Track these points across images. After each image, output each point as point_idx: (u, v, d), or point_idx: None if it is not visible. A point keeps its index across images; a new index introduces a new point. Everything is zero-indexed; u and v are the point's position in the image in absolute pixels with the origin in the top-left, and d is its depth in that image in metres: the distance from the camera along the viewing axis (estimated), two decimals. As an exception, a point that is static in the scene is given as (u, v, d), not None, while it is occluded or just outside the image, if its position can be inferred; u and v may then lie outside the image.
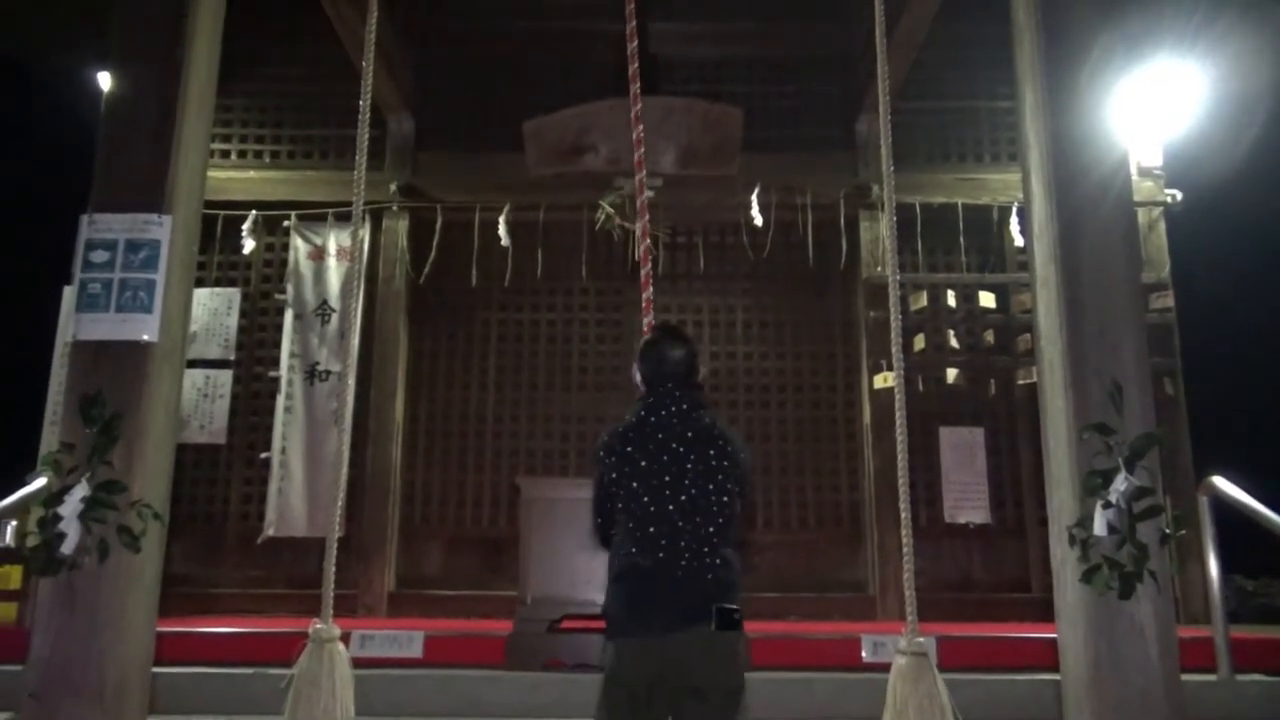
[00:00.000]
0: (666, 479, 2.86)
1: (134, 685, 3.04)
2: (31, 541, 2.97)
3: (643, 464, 2.87)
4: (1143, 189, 6.61)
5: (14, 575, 5.20)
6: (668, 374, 2.98)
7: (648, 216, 4.85)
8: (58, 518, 2.91)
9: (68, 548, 2.91)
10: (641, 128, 4.87)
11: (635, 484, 2.87)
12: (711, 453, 2.89)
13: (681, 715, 2.77)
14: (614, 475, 2.90)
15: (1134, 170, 4.87)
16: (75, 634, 2.92)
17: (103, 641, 2.93)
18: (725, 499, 2.87)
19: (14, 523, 5.43)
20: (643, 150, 4.87)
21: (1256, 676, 4.30)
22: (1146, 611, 2.84)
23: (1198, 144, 7.05)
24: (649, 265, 4.69)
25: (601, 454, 2.95)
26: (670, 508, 2.83)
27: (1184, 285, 6.83)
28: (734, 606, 2.81)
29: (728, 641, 2.79)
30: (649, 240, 4.82)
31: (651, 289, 4.67)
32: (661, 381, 2.97)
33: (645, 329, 4.49)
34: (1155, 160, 6.85)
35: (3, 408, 7.53)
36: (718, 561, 2.83)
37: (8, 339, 8.58)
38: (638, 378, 3.07)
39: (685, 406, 2.95)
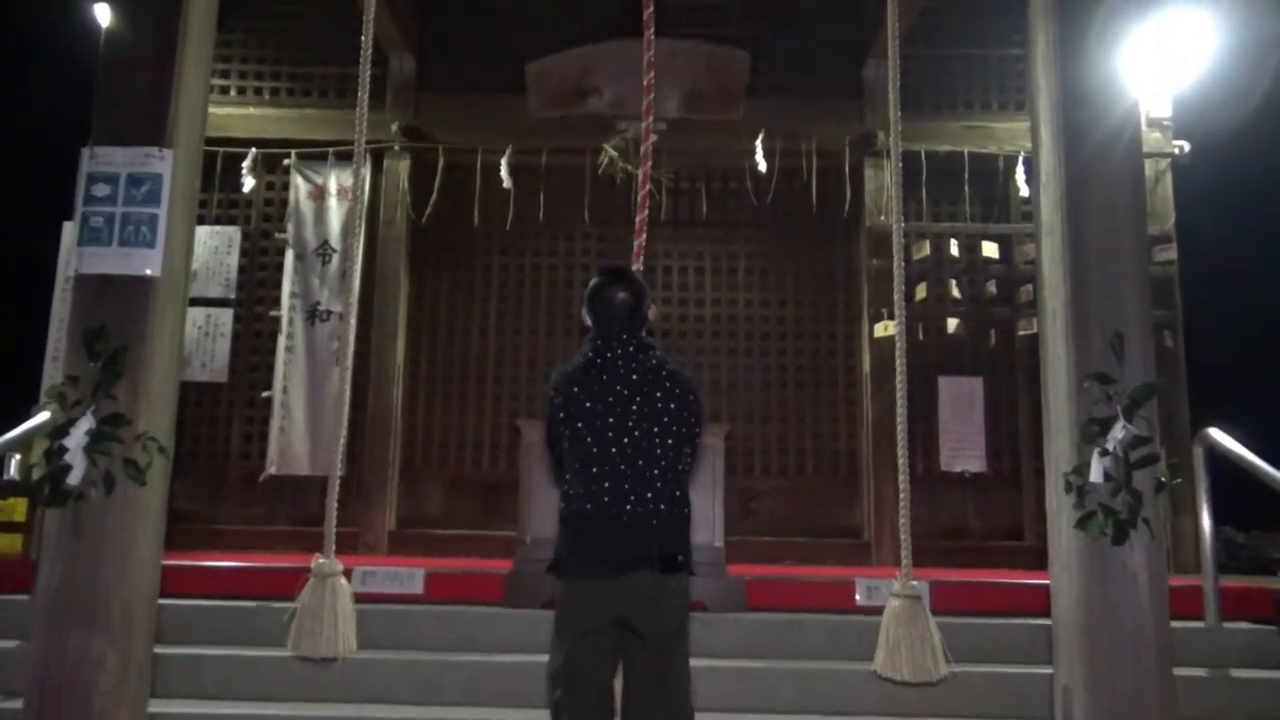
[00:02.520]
0: (611, 420, 2.85)
1: (141, 615, 3.09)
2: (37, 473, 2.99)
3: (587, 405, 2.86)
4: (1150, 140, 6.55)
5: (19, 508, 5.26)
6: (614, 316, 2.97)
7: (650, 163, 4.80)
8: (63, 450, 2.93)
9: (74, 480, 2.94)
10: (653, 73, 4.80)
11: (580, 425, 2.87)
12: (658, 394, 2.89)
13: (628, 654, 2.83)
14: (561, 415, 2.89)
15: (1143, 121, 4.83)
16: (82, 564, 2.96)
17: (110, 572, 2.97)
18: (671, 441, 2.87)
19: (18, 456, 5.47)
20: (653, 95, 4.80)
21: (1243, 624, 4.37)
22: (1139, 558, 2.88)
23: (1207, 95, 6.96)
24: (645, 212, 4.64)
25: (550, 394, 2.96)
26: (613, 450, 2.84)
27: (1187, 238, 6.81)
28: (676, 552, 2.83)
29: (671, 586, 2.82)
30: (649, 186, 4.78)
31: (644, 236, 4.60)
32: (608, 324, 2.95)
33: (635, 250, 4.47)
34: (1164, 111, 6.78)
35: (3, 345, 7.54)
36: (662, 506, 2.84)
37: (6, 276, 8.56)
38: (587, 320, 3.05)
39: (632, 348, 2.94)
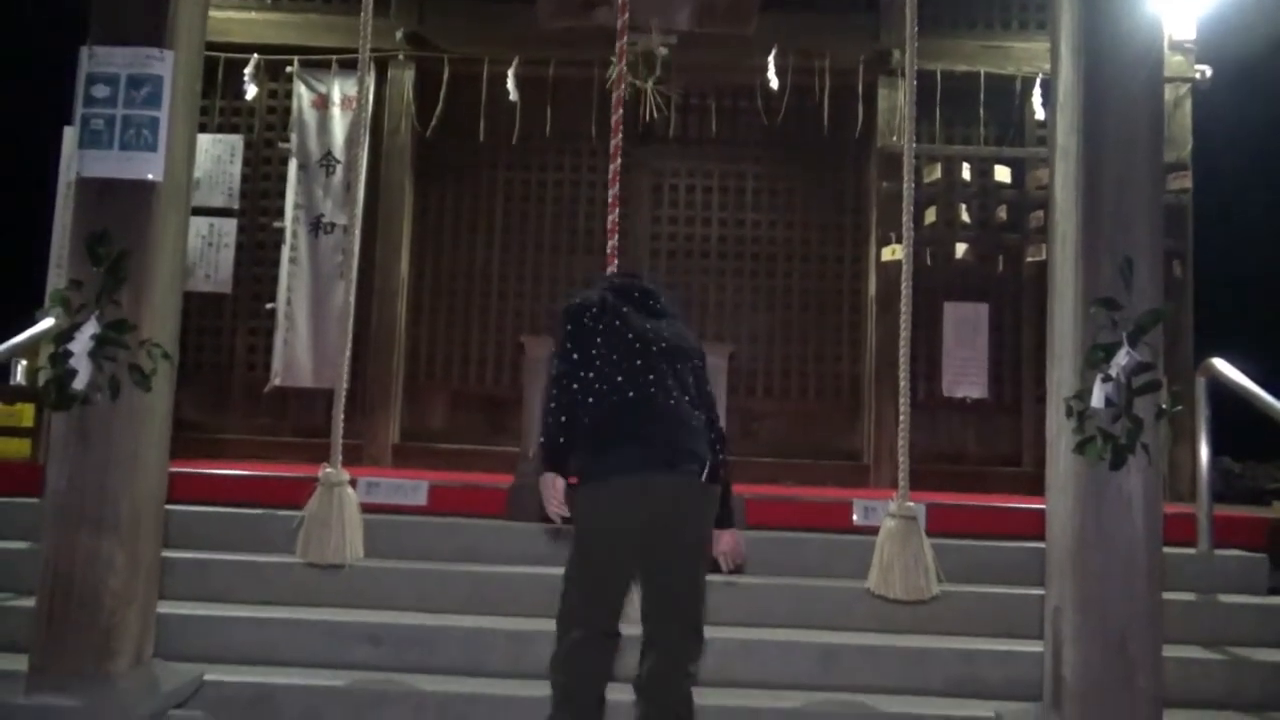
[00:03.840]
0: (647, 325, 2.94)
1: (149, 518, 3.14)
2: (43, 378, 3.01)
3: (624, 309, 2.94)
4: (1172, 63, 6.39)
5: (26, 413, 5.31)
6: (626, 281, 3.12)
7: (626, 78, 4.65)
8: (68, 354, 2.94)
9: (80, 384, 2.95)
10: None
11: (619, 323, 2.90)
12: (678, 322, 3.07)
13: (655, 560, 2.77)
14: (597, 312, 2.89)
15: (1165, 43, 4.71)
16: (90, 468, 2.99)
17: (117, 476, 3.01)
18: (696, 363, 2.99)
19: (24, 362, 5.50)
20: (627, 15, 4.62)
21: (1235, 552, 4.43)
22: (1135, 483, 2.90)
23: (1231, 18, 6.77)
24: (619, 136, 4.48)
25: (579, 302, 2.93)
26: (654, 349, 2.91)
27: (1202, 167, 6.70)
28: (717, 464, 2.87)
29: (710, 494, 2.86)
30: (624, 86, 4.62)
31: (619, 161, 4.46)
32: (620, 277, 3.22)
33: (611, 201, 4.35)
34: (1188, 33, 6.60)
35: (6, 251, 7.51)
36: (697, 411, 2.89)
37: (8, 182, 8.48)
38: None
39: (650, 287, 3.09)
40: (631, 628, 2.85)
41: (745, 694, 3.57)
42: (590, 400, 2.81)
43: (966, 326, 6.72)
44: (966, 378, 6.68)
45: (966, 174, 6.61)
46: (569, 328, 2.92)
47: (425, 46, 6.81)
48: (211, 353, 6.95)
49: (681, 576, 2.80)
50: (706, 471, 2.82)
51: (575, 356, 2.86)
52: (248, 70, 6.67)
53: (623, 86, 4.57)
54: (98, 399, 2.98)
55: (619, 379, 2.83)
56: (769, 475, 6.42)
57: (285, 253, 6.66)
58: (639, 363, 2.85)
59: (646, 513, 2.73)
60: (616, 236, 4.37)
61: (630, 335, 2.89)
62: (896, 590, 3.58)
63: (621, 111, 4.45)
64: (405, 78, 6.85)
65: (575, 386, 2.83)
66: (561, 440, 2.80)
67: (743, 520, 4.51)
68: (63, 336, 2.99)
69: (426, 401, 7.00)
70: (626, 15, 4.58)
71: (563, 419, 2.81)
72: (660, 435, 2.78)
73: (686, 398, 2.88)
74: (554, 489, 2.80)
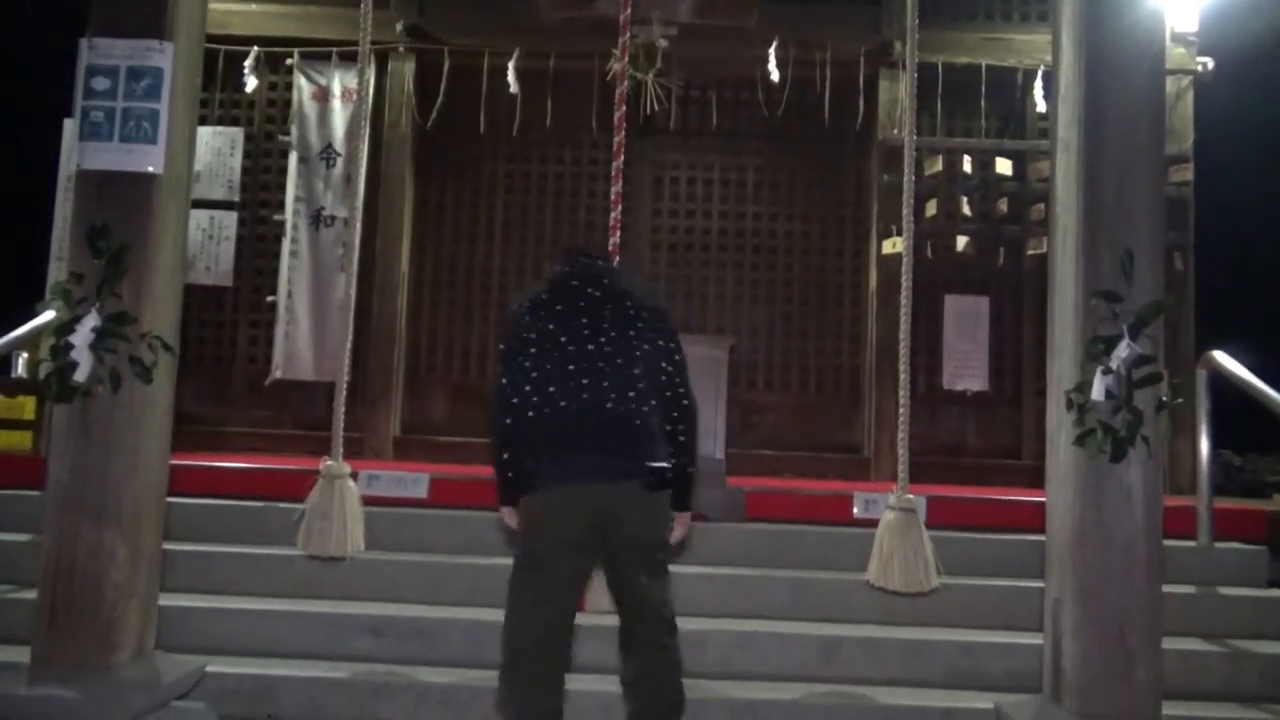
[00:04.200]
0: (584, 321, 2.82)
1: (150, 511, 3.14)
2: (44, 370, 3.01)
3: (558, 307, 2.85)
4: (1174, 56, 6.37)
5: (27, 405, 5.32)
6: (580, 249, 3.04)
7: (626, 77, 4.63)
8: (69, 346, 2.94)
9: (81, 376, 2.96)
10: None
11: (552, 326, 2.81)
12: (628, 303, 2.89)
13: (611, 569, 2.79)
14: (529, 320, 2.84)
15: (1167, 35, 4.69)
16: (91, 460, 3.00)
17: (119, 468, 3.01)
18: (647, 347, 2.84)
19: (25, 354, 5.51)
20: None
21: (1234, 544, 4.44)
22: (1135, 476, 2.90)
23: (1234, 10, 6.74)
24: (622, 133, 4.47)
25: (515, 307, 2.92)
26: (590, 348, 2.78)
27: (1204, 159, 6.68)
28: (664, 465, 2.77)
29: (656, 501, 2.77)
30: (625, 69, 4.60)
31: (622, 158, 4.44)
32: (573, 250, 3.03)
33: (614, 199, 4.33)
34: (1190, 25, 6.58)
35: (6, 243, 7.51)
36: (644, 409, 2.77)
37: (9, 175, 8.47)
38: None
39: (600, 264, 2.98)
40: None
41: (745, 685, 3.58)
42: (529, 414, 2.76)
43: (967, 319, 6.71)
44: (967, 370, 6.68)
45: (968, 166, 6.60)
46: (502, 345, 2.93)
47: (425, 39, 6.80)
48: (212, 345, 6.95)
49: (635, 578, 2.77)
50: (652, 470, 2.73)
51: (506, 378, 2.84)
52: (248, 62, 6.65)
53: (625, 83, 4.55)
54: (99, 391, 2.98)
55: (551, 390, 2.76)
56: (769, 468, 6.42)
57: (286, 245, 6.65)
58: (571, 368, 2.77)
59: (584, 521, 2.70)
60: (618, 233, 4.36)
61: (564, 339, 2.80)
62: (896, 582, 3.58)
63: (624, 109, 4.44)
64: (406, 70, 6.84)
65: (515, 401, 2.79)
66: (510, 475, 2.82)
67: (741, 512, 4.54)
68: (64, 329, 2.99)
69: (427, 394, 7.00)
70: (629, 10, 4.56)
71: (505, 456, 2.81)
72: (597, 444, 2.71)
73: (630, 393, 2.76)
74: (510, 522, 2.89)
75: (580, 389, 2.74)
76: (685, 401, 2.89)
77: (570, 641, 2.79)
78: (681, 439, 2.86)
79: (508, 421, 2.80)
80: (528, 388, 2.78)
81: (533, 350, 2.81)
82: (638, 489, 2.70)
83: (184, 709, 3.22)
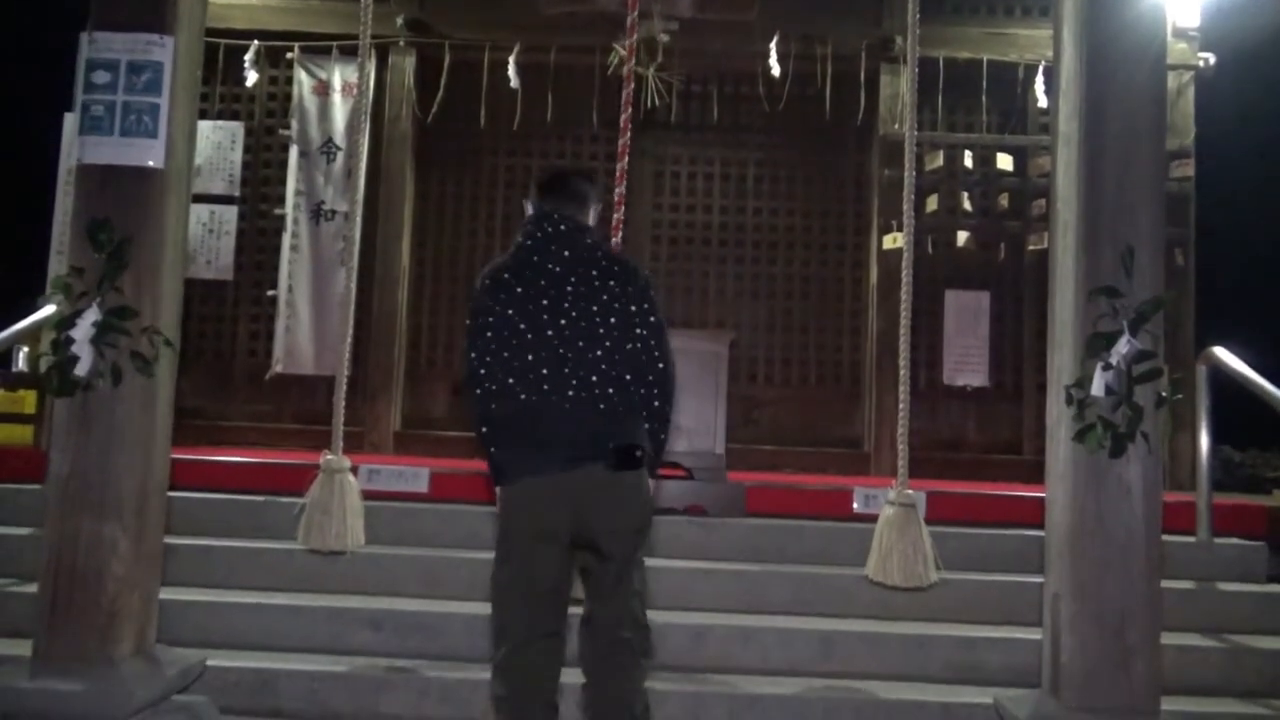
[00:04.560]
0: (545, 302, 2.68)
1: (151, 504, 3.14)
2: (45, 364, 3.01)
3: (518, 290, 2.70)
4: (1175, 51, 6.37)
5: (29, 399, 5.32)
6: (555, 196, 2.83)
7: (634, 59, 4.66)
8: (70, 341, 2.94)
9: (82, 370, 2.95)
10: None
11: (510, 310, 2.68)
12: (594, 273, 2.72)
13: (585, 558, 2.69)
14: (489, 303, 2.71)
15: (1168, 30, 4.69)
16: (92, 454, 2.99)
17: (120, 461, 3.01)
18: (615, 320, 2.70)
19: (26, 348, 5.51)
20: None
21: (1234, 540, 4.44)
22: (1135, 471, 2.90)
23: (1235, 5, 6.73)
24: (627, 136, 4.49)
25: (476, 286, 2.79)
26: (549, 333, 2.66)
27: (1205, 155, 6.68)
28: (632, 443, 2.67)
29: (627, 482, 2.67)
30: (632, 72, 4.63)
31: (629, 135, 4.47)
32: (544, 201, 2.84)
33: (617, 200, 4.34)
34: (1191, 20, 6.57)
35: (7, 238, 7.51)
36: (610, 390, 2.66)
37: (9, 169, 8.47)
38: (529, 209, 2.91)
39: (565, 228, 2.77)
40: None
41: (745, 680, 3.58)
42: (493, 405, 2.70)
43: (967, 314, 6.72)
44: (967, 366, 6.68)
45: (968, 161, 6.60)
46: (468, 320, 2.81)
47: (426, 32, 6.79)
48: (213, 339, 6.96)
49: (603, 564, 2.68)
50: (619, 451, 2.64)
51: (472, 363, 2.74)
52: (248, 56, 6.65)
53: (630, 86, 4.57)
54: (100, 385, 2.98)
55: (510, 382, 2.67)
56: (769, 462, 6.43)
57: (286, 240, 6.66)
58: (530, 358, 2.66)
59: (555, 511, 2.64)
60: (621, 232, 4.38)
61: (523, 325, 2.68)
62: (895, 577, 3.59)
63: (630, 110, 4.46)
64: (406, 64, 6.84)
65: (479, 393, 2.72)
66: (492, 450, 2.73)
67: (741, 507, 4.55)
68: (64, 323, 2.98)
69: (428, 389, 7.01)
70: (635, 13, 4.58)
71: (484, 430, 2.72)
72: (559, 436, 2.63)
73: (593, 377, 2.65)
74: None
75: (540, 380, 2.64)
76: (661, 365, 2.75)
77: (562, 633, 2.75)
78: (656, 404, 2.74)
79: (478, 393, 2.72)
80: (489, 382, 2.70)
81: (490, 335, 2.70)
82: (603, 472, 2.62)
83: (185, 702, 3.22)
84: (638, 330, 2.73)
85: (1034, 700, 3.11)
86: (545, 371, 2.66)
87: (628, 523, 2.70)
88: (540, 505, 2.65)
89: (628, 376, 2.70)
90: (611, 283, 2.73)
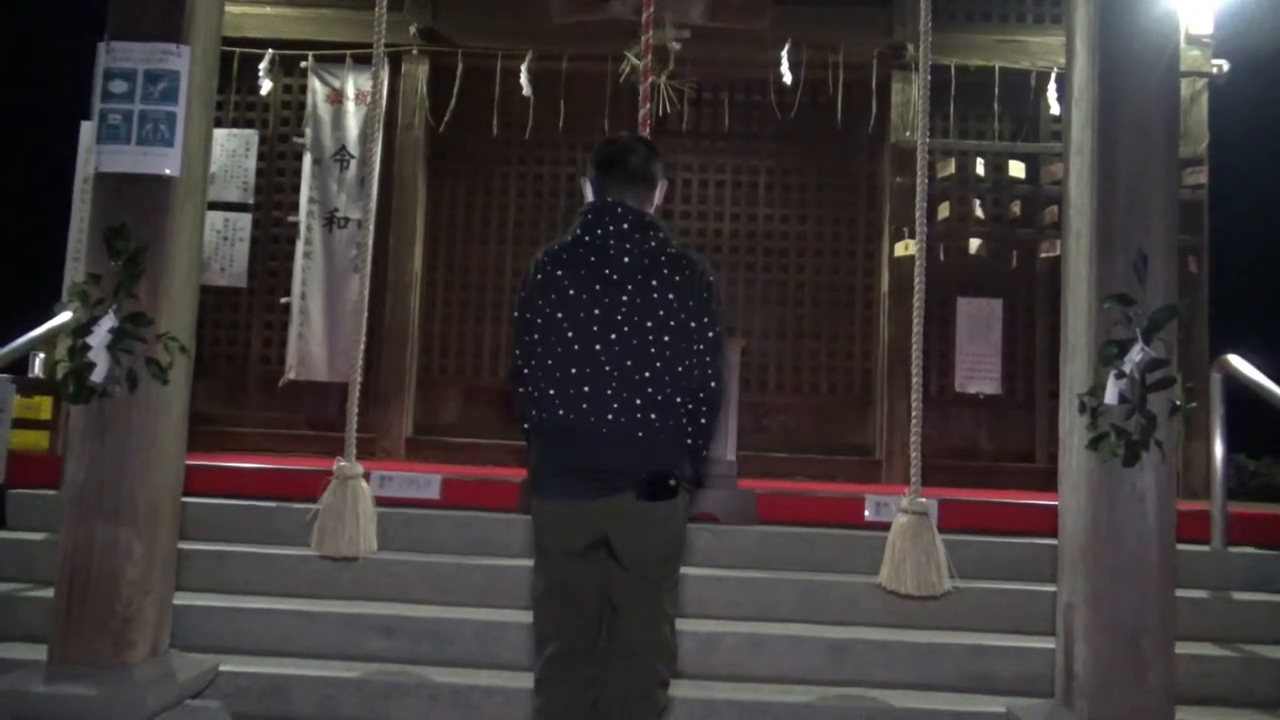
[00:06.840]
0: (597, 312, 2.50)
1: (166, 510, 3.17)
2: (61, 370, 3.04)
3: (570, 291, 2.52)
4: (1189, 58, 6.36)
5: (44, 405, 5.36)
6: (615, 178, 2.60)
7: (649, 58, 4.69)
8: (86, 347, 2.97)
9: (98, 376, 2.98)
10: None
11: (560, 314, 2.52)
12: (654, 282, 2.51)
13: (611, 575, 2.63)
14: (538, 300, 2.55)
15: (1182, 37, 4.68)
16: (108, 460, 3.02)
17: (135, 467, 3.03)
18: (669, 339, 2.50)
19: (42, 355, 5.55)
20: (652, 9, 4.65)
21: (1248, 549, 4.41)
22: (1148, 480, 2.89)
23: (1250, 12, 6.71)
24: (646, 107, 4.53)
25: (530, 269, 2.60)
26: (597, 347, 2.49)
27: (1219, 162, 6.65)
28: (665, 472, 2.51)
29: (657, 513, 2.53)
30: (647, 75, 4.66)
31: (647, 133, 4.50)
32: (606, 189, 2.61)
33: None
34: (1205, 28, 6.55)
35: (24, 245, 7.57)
36: (653, 416, 2.49)
37: (28, 177, 8.54)
38: (587, 190, 2.70)
39: (628, 225, 2.55)
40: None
41: (756, 688, 3.58)
42: (532, 412, 2.59)
43: (980, 322, 6.70)
44: (979, 373, 6.66)
45: (980, 169, 6.58)
46: (515, 316, 2.64)
47: (439, 41, 6.83)
48: (227, 346, 7.00)
49: (629, 589, 2.62)
50: (651, 480, 2.52)
51: (515, 360, 2.63)
52: (263, 65, 6.71)
53: (646, 86, 4.60)
54: (115, 392, 3.00)
55: (551, 393, 2.53)
56: (781, 470, 6.42)
57: (300, 247, 6.70)
58: (574, 371, 2.50)
59: (584, 534, 2.58)
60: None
61: (571, 333, 2.51)
62: (909, 585, 3.57)
63: (646, 111, 4.48)
64: (419, 72, 6.87)
65: (521, 392, 2.62)
66: (540, 471, 2.65)
67: (753, 515, 4.54)
68: (81, 330, 3.01)
69: (440, 395, 7.03)
70: (650, 10, 4.60)
71: (531, 457, 2.65)
72: (594, 459, 2.51)
73: (637, 400, 2.50)
74: None
75: (581, 398, 2.50)
76: (714, 383, 2.56)
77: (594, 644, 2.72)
78: (703, 421, 2.57)
79: (520, 391, 2.64)
80: (530, 387, 2.59)
81: (537, 338, 2.57)
82: (633, 501, 2.51)
83: (198, 707, 3.24)
84: (696, 346, 2.55)
85: (1047, 710, 3.10)
86: (588, 389, 2.50)
87: (653, 553, 2.61)
88: (570, 526, 2.59)
89: (677, 399, 2.53)
90: (671, 296, 2.52)
